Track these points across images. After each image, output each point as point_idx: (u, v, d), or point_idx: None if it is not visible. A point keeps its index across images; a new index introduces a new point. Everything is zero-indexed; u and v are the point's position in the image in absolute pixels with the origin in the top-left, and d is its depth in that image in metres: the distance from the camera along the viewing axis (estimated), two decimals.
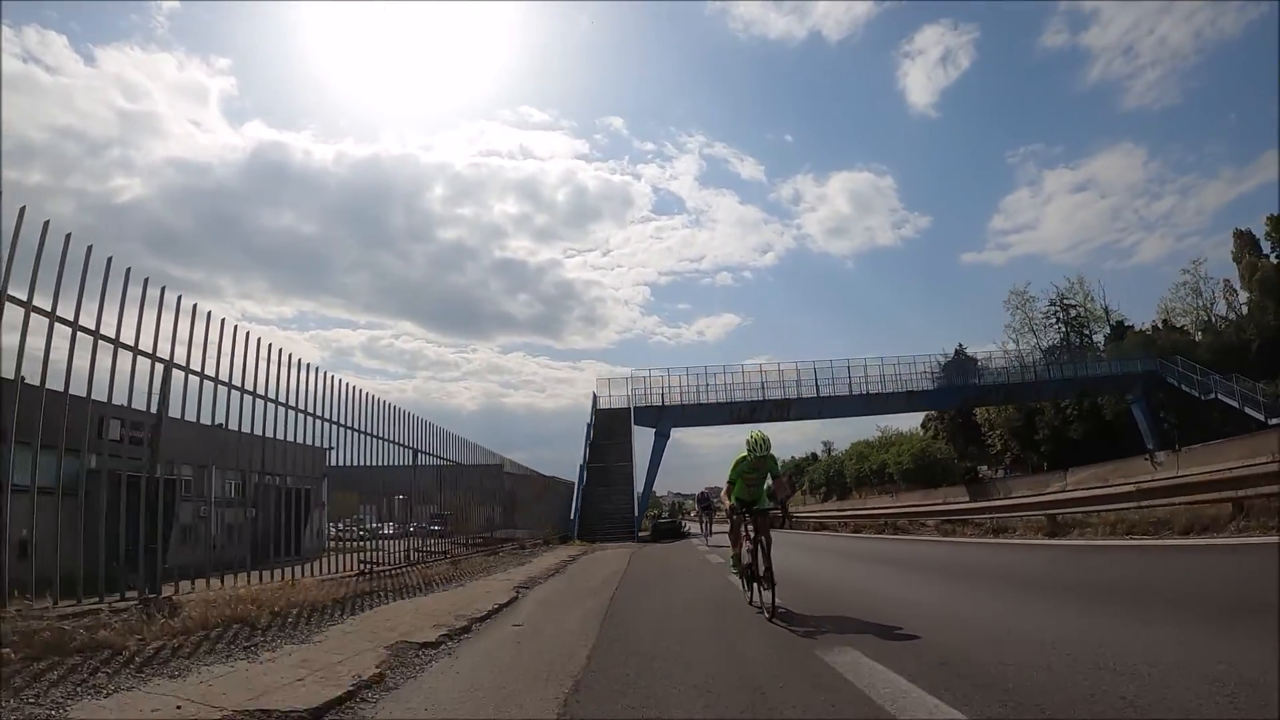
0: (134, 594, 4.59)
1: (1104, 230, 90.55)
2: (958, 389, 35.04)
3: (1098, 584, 5.52)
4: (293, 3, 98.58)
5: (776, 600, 4.90)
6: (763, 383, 31.76)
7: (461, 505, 12.52)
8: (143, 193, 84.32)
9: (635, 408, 29.58)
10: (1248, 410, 34.59)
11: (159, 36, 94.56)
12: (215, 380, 5.45)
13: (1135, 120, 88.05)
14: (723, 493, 6.09)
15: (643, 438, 30.19)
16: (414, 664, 3.73)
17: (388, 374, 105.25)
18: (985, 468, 50.35)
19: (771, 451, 5.63)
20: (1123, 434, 39.22)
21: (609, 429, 28.22)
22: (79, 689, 2.99)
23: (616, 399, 30.57)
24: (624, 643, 4.19)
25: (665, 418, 29.65)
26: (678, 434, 32.49)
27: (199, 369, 5.27)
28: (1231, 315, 50.29)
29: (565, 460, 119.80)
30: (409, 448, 9.33)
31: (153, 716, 2.69)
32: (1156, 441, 36.36)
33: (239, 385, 5.72)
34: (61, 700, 2.85)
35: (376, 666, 3.50)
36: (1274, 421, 31.69)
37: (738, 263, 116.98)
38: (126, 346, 4.59)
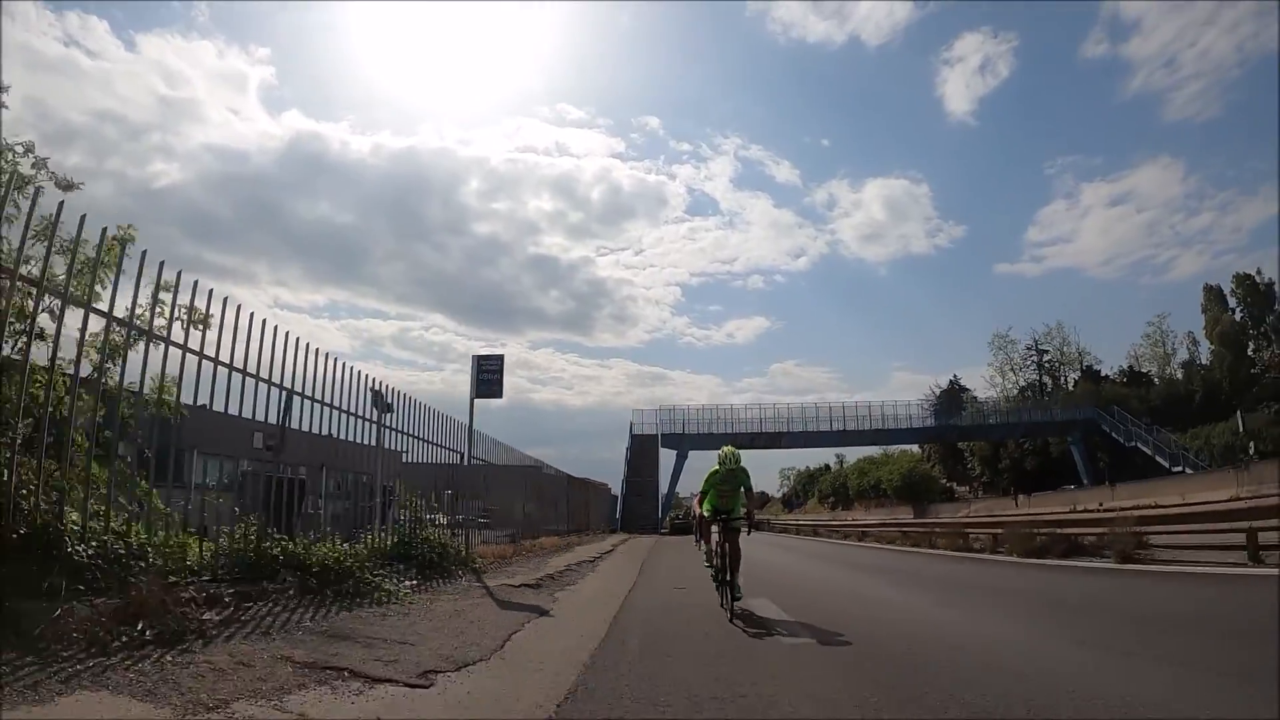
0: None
1: (1140, 245, 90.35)
2: (917, 430, 45.55)
3: (929, 578, 15.38)
4: None
5: (737, 605, 5.90)
6: (760, 417, 42.90)
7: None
8: (180, 178, 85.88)
9: (662, 434, 41.02)
10: (1157, 458, 43.87)
11: (200, 25, 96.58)
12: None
13: (1175, 133, 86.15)
14: (694, 502, 6.87)
15: (666, 454, 41.66)
16: (606, 556, 15.04)
17: (417, 365, 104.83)
18: (966, 488, 60.08)
19: (742, 464, 6.38)
20: (1065, 469, 48.89)
21: (641, 450, 39.77)
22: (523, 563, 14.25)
23: (647, 425, 42.04)
24: (657, 558, 15.48)
25: (685, 443, 41.07)
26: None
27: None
28: (1195, 364, 58.96)
29: (590, 458, 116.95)
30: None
31: (562, 561, 13.85)
32: (1090, 477, 45.86)
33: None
34: (543, 560, 14.11)
35: (596, 558, 14.76)
36: (1176, 469, 41.15)
37: (770, 266, 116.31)
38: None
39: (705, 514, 6.58)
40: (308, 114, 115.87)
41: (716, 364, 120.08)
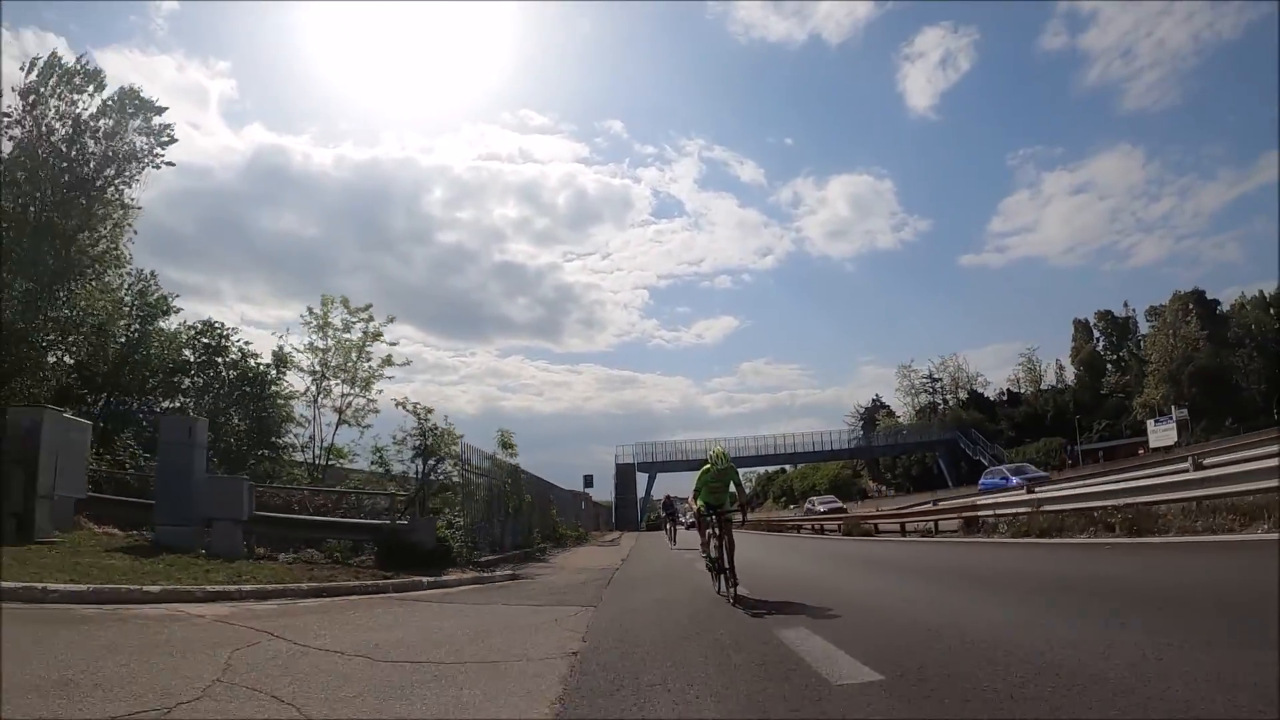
0: None
1: (1103, 232, 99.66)
2: (823, 453, 67.79)
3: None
4: (292, 4, 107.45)
5: (738, 589, 6.54)
6: (707, 449, 64.80)
7: (586, 515, 42.63)
8: (141, 195, 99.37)
9: (637, 463, 62.50)
10: (992, 468, 65.62)
11: (158, 38, 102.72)
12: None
13: (1134, 122, 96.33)
14: (690, 499, 7.75)
15: (641, 476, 63.14)
16: (620, 538, 36.13)
17: (384, 377, 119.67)
18: (881, 487, 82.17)
19: (730, 463, 7.30)
20: (937, 476, 71.19)
21: (624, 475, 61.36)
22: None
23: (626, 457, 63.48)
24: (641, 545, 36.66)
25: (654, 468, 62.69)
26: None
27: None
28: (1059, 386, 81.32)
29: (563, 462, 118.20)
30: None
31: (608, 539, 34.77)
32: (954, 482, 67.89)
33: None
34: (600, 538, 35.28)
35: (617, 538, 35.80)
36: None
37: (737, 265, 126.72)
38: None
39: (700, 509, 7.20)
40: (270, 127, 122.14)
41: (686, 365, 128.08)
